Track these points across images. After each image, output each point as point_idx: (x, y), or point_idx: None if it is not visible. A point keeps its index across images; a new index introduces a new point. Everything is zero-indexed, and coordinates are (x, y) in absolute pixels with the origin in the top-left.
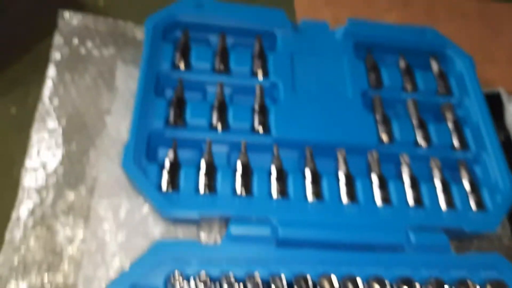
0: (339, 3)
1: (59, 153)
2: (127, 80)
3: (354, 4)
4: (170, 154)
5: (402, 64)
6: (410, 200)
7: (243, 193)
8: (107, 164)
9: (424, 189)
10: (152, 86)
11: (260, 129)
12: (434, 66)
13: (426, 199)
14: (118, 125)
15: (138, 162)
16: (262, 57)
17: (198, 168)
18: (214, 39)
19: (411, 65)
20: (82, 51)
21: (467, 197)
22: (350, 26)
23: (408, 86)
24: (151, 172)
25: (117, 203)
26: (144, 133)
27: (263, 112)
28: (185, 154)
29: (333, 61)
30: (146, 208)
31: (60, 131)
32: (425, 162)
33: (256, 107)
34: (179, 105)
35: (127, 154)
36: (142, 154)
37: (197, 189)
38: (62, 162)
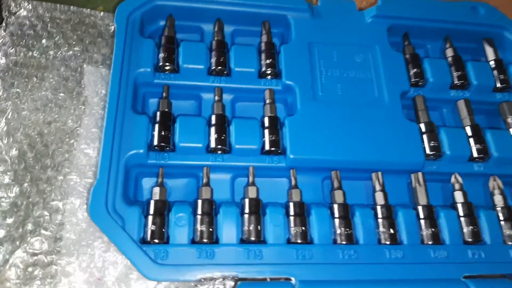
0: None
1: (7, 195)
2: (99, 87)
3: None
4: (156, 191)
5: (449, 52)
6: (467, 237)
7: (253, 238)
8: (76, 205)
9: (482, 220)
10: (129, 98)
11: (272, 150)
12: (490, 53)
13: (485, 234)
14: (90, 150)
15: (111, 206)
16: (272, 51)
17: (194, 208)
18: (208, 29)
19: (460, 52)
20: (35, 52)
21: None
22: (383, 4)
23: (458, 82)
24: (131, 218)
25: (89, 257)
26: (119, 166)
27: (275, 126)
28: (176, 188)
29: (363, 53)
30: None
31: (8, 164)
32: (482, 181)
33: (266, 120)
34: (165, 121)
35: (95, 198)
36: (118, 194)
37: (192, 239)
38: (11, 209)
